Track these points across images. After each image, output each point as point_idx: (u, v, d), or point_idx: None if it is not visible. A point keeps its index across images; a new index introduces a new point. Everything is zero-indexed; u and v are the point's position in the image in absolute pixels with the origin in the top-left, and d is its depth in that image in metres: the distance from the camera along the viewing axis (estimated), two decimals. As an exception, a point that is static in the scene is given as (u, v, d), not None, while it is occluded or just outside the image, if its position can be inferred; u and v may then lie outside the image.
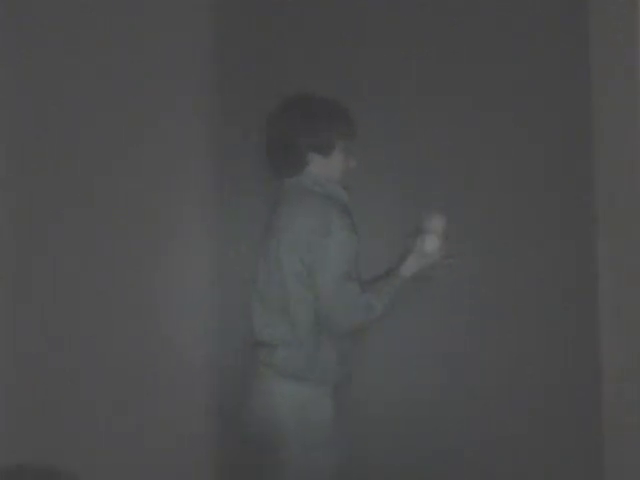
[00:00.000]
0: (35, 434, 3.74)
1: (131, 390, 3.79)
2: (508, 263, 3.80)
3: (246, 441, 3.00)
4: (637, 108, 3.47)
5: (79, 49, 3.80)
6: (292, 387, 2.85)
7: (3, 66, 3.74)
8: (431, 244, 2.98)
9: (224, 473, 3.86)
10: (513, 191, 3.81)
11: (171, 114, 3.85)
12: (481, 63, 3.81)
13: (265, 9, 3.87)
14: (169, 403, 3.81)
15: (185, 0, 3.87)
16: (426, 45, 3.82)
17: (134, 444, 3.78)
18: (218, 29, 3.88)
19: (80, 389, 3.77)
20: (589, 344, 3.76)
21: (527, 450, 3.78)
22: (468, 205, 3.79)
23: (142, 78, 3.83)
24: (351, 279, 2.82)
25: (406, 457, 3.79)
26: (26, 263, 3.75)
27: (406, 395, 3.78)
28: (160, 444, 3.79)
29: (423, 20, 3.83)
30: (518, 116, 3.80)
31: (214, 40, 3.87)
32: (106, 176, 3.81)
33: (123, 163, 3.82)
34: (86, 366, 3.77)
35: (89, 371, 3.77)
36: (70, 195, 3.79)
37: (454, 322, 3.77)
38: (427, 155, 3.80)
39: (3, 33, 3.73)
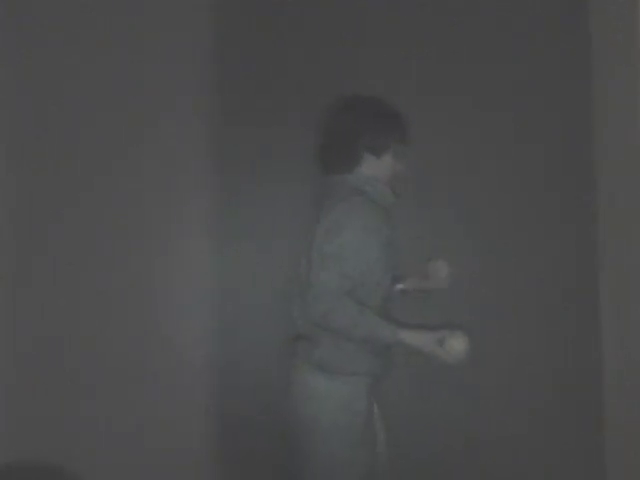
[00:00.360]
0: (35, 434, 3.74)
1: (131, 390, 3.79)
2: (508, 263, 3.80)
3: (284, 433, 3.02)
4: (637, 108, 3.47)
5: (79, 49, 3.80)
6: (328, 380, 2.87)
7: (3, 66, 3.74)
8: (442, 269, 3.04)
9: (224, 473, 3.86)
10: (513, 191, 3.81)
11: (171, 114, 3.85)
12: (481, 63, 3.81)
13: (265, 9, 3.87)
14: (169, 403, 3.81)
15: (185, 0, 3.87)
16: (426, 45, 3.82)
17: (134, 444, 3.78)
18: (218, 29, 3.88)
19: (80, 389, 3.77)
20: (589, 344, 3.76)
21: (527, 450, 3.78)
22: (468, 205, 3.79)
23: (142, 78, 3.83)
24: (340, 276, 2.81)
25: (405, 457, 3.79)
26: (26, 263, 3.75)
27: (405, 395, 3.79)
28: (160, 444, 3.79)
29: (423, 20, 3.83)
30: (518, 116, 3.80)
31: (214, 40, 3.87)
32: (106, 176, 3.81)
33: (123, 163, 3.82)
34: (86, 366, 3.77)
35: (89, 371, 3.77)
36: (70, 195, 3.79)
37: (454, 322, 3.77)
38: (427, 155, 3.81)
39: (3, 33, 3.73)
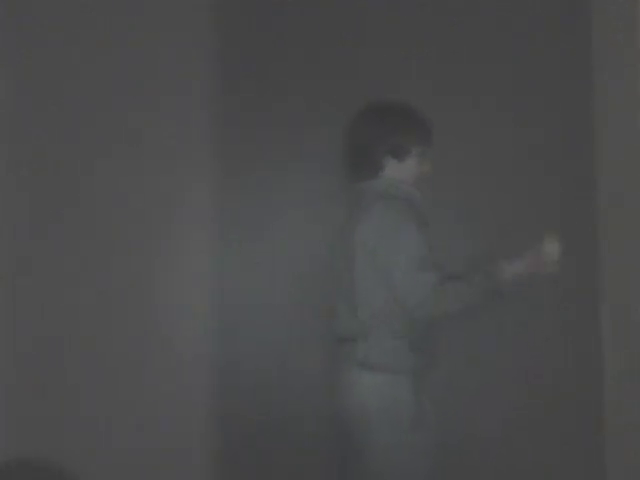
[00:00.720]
0: (35, 434, 3.74)
1: (131, 390, 3.79)
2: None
3: (334, 434, 3.05)
4: (638, 108, 3.47)
5: (79, 49, 3.80)
6: (373, 378, 2.90)
7: (3, 66, 3.74)
8: (551, 246, 3.00)
9: (224, 473, 3.86)
10: (513, 191, 3.81)
11: (171, 114, 3.85)
12: (481, 63, 3.81)
13: (265, 9, 3.87)
14: (169, 403, 3.81)
15: (185, 0, 3.87)
16: (426, 45, 3.82)
17: (134, 444, 3.78)
18: (218, 29, 3.88)
19: (80, 389, 3.77)
20: (589, 344, 3.76)
21: (527, 450, 3.78)
22: (468, 205, 3.79)
23: (142, 78, 3.83)
24: (426, 269, 2.86)
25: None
26: (26, 263, 3.75)
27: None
28: (160, 444, 3.80)
29: (423, 20, 3.83)
30: (518, 116, 3.80)
31: (214, 40, 3.88)
32: (106, 176, 3.81)
33: (123, 163, 3.82)
34: (86, 366, 3.77)
35: (89, 371, 3.77)
36: (70, 195, 3.79)
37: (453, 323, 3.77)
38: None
39: (3, 33, 3.73)
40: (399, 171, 3.00)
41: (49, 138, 3.79)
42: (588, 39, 3.78)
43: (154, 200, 3.84)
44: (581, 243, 3.77)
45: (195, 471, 3.84)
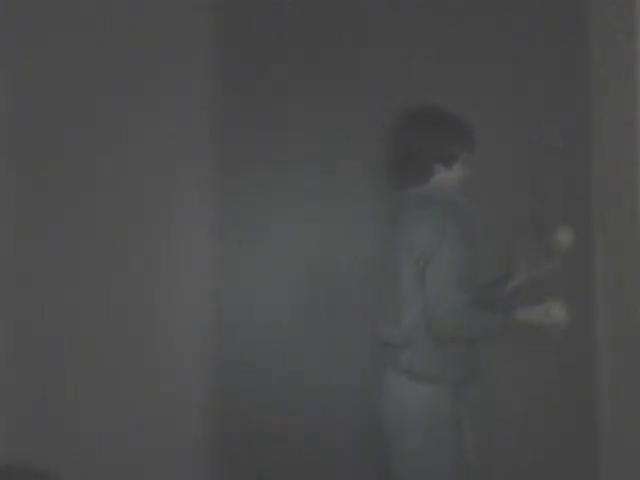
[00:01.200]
0: (34, 434, 3.74)
1: (130, 390, 3.79)
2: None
3: (374, 438, 3.09)
4: (636, 108, 3.47)
5: (79, 49, 3.80)
6: (413, 386, 2.94)
7: (3, 66, 3.73)
8: (565, 235, 3.05)
9: (224, 473, 3.86)
10: (512, 191, 3.81)
11: (171, 114, 3.85)
12: (481, 63, 3.81)
13: (265, 9, 3.87)
14: (169, 403, 3.81)
15: (185, 0, 3.87)
16: (426, 45, 3.82)
17: (134, 444, 3.78)
18: (218, 29, 3.88)
19: (80, 389, 3.77)
20: (588, 343, 3.76)
21: (527, 450, 3.79)
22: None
23: (142, 78, 3.83)
24: (458, 287, 2.90)
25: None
26: (26, 263, 3.75)
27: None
28: (160, 444, 3.80)
29: (423, 20, 3.83)
30: (518, 116, 3.80)
31: (214, 40, 3.87)
32: (106, 176, 3.81)
33: (123, 163, 3.82)
34: (86, 366, 3.77)
35: (89, 371, 3.77)
36: (70, 195, 3.79)
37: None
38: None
39: (3, 33, 3.73)
40: (446, 178, 3.04)
41: (49, 138, 3.79)
42: (587, 39, 3.79)
43: (154, 200, 3.83)
44: (580, 243, 3.77)
45: (195, 471, 3.84)
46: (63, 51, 3.80)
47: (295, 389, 3.83)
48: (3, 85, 3.75)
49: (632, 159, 3.51)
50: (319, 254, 3.84)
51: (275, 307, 3.83)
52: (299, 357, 3.82)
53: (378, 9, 3.84)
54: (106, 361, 3.78)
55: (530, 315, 2.97)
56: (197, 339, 3.84)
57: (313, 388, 3.83)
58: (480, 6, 3.82)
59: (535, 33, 3.80)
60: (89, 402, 3.77)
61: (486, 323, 2.95)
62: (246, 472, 3.86)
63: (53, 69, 3.79)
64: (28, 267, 3.76)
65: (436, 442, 2.91)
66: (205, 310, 3.84)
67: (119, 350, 3.79)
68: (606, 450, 3.73)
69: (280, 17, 3.86)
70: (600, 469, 3.76)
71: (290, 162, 3.85)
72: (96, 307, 3.78)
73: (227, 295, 3.84)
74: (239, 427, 3.84)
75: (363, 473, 3.79)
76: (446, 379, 2.94)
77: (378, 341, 3.04)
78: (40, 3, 3.78)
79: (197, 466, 3.84)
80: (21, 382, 3.74)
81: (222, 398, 3.84)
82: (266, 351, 3.83)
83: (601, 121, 3.73)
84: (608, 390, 3.71)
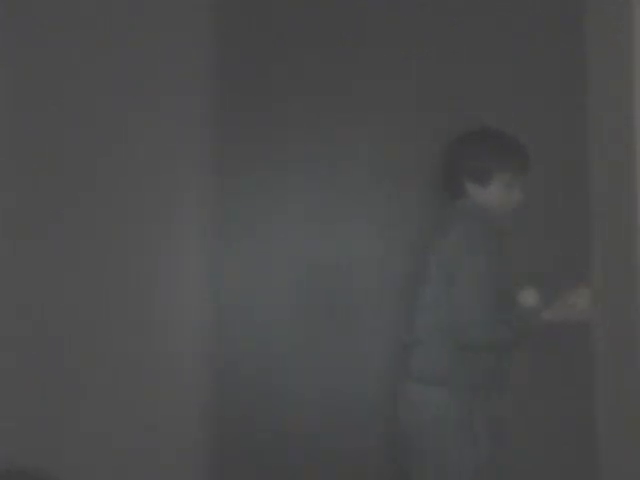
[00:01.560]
0: (34, 434, 3.73)
1: (130, 390, 3.79)
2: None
3: (390, 441, 3.13)
4: (634, 108, 3.47)
5: (79, 49, 3.80)
6: (427, 390, 2.98)
7: (3, 66, 3.73)
8: (581, 296, 3.09)
9: (224, 473, 3.86)
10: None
11: (171, 114, 3.85)
12: (481, 63, 3.81)
13: (265, 9, 3.87)
14: (169, 403, 3.81)
15: (185, 0, 3.87)
16: (426, 45, 3.82)
17: (134, 444, 3.78)
18: (218, 29, 3.88)
19: (80, 389, 3.76)
20: (586, 343, 3.76)
21: (527, 450, 3.78)
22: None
23: (142, 78, 3.83)
24: (485, 293, 2.94)
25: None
26: (25, 263, 3.75)
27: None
28: (160, 444, 3.79)
29: (423, 20, 3.83)
30: (518, 116, 3.80)
31: (214, 40, 3.87)
32: (106, 176, 3.81)
33: (123, 163, 3.82)
34: (86, 366, 3.76)
35: (89, 371, 3.77)
36: (70, 195, 3.79)
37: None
38: (427, 156, 3.81)
39: (3, 33, 3.73)
40: (482, 197, 3.08)
41: (49, 138, 3.79)
42: (586, 40, 3.78)
43: (154, 200, 3.83)
44: (579, 243, 3.78)
45: (195, 471, 3.83)
46: (63, 51, 3.80)
47: (295, 389, 3.83)
48: (3, 85, 3.75)
49: (630, 160, 3.51)
50: (319, 254, 3.84)
51: (275, 307, 3.83)
52: (299, 357, 3.82)
53: (378, 9, 3.84)
54: (106, 361, 3.78)
55: (555, 311, 3.00)
56: (197, 339, 3.84)
57: (313, 388, 3.83)
58: (480, 6, 3.82)
59: (535, 33, 3.80)
60: (89, 402, 3.77)
61: (513, 332, 2.98)
62: (246, 472, 3.86)
63: (53, 69, 3.79)
64: (28, 267, 3.76)
65: (445, 447, 2.92)
66: (205, 310, 3.84)
67: (119, 350, 3.79)
68: (606, 450, 3.72)
69: (280, 17, 3.86)
70: (600, 469, 3.75)
71: (290, 162, 3.85)
72: (96, 307, 3.78)
73: (227, 295, 3.84)
74: (239, 427, 3.84)
75: (364, 475, 3.79)
76: (461, 383, 2.94)
77: (392, 343, 3.06)
78: (40, 3, 3.78)
79: (197, 466, 3.84)
80: (21, 382, 3.74)
81: (222, 398, 3.84)
82: (266, 351, 3.83)
83: (599, 122, 3.72)
84: (608, 390, 3.71)
